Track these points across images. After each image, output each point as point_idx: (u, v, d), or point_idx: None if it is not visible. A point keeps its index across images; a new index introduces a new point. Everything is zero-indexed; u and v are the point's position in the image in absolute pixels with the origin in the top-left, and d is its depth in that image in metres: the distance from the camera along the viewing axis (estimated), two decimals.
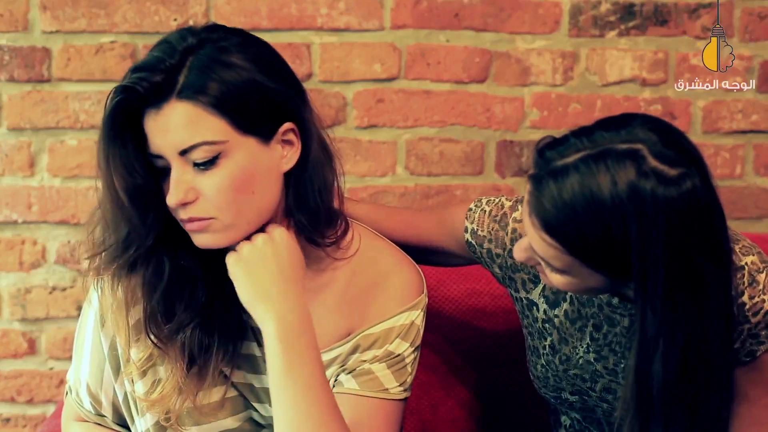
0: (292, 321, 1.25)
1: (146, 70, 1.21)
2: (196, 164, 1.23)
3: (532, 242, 1.23)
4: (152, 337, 1.31)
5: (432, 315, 1.48)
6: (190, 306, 1.30)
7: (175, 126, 1.21)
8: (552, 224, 1.18)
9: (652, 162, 1.14)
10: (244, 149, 1.24)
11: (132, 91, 1.20)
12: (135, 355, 1.34)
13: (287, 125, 1.27)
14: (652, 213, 1.13)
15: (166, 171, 1.25)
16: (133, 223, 1.25)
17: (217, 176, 1.23)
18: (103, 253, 1.29)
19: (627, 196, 1.14)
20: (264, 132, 1.25)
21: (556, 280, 1.25)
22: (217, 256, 1.30)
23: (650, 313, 1.18)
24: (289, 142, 1.28)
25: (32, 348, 2.19)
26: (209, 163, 1.23)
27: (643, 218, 1.14)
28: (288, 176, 1.29)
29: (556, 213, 1.17)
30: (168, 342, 1.31)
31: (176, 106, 1.20)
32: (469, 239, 1.48)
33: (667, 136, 1.18)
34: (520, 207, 1.45)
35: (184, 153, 1.22)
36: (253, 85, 1.23)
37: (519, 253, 1.28)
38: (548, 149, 1.20)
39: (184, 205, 1.24)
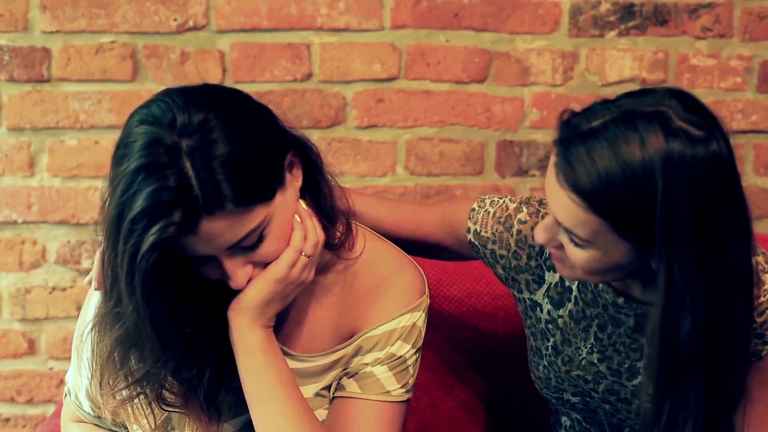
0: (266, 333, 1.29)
1: (161, 209, 1.12)
2: (245, 247, 1.21)
3: (558, 211, 1.23)
4: (169, 409, 1.30)
5: (432, 315, 1.48)
6: (198, 362, 1.28)
7: (216, 235, 1.17)
8: (581, 184, 1.19)
9: (678, 122, 1.17)
10: (276, 209, 1.22)
11: (165, 242, 1.14)
12: (148, 425, 1.32)
13: (288, 157, 1.25)
14: (679, 170, 1.16)
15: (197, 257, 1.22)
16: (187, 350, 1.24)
17: (267, 245, 1.23)
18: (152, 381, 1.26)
19: (656, 154, 1.16)
20: (279, 182, 1.23)
21: (578, 256, 1.25)
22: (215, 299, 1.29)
23: (677, 270, 1.19)
24: (292, 164, 1.26)
25: (32, 348, 2.19)
26: (258, 240, 1.22)
27: (669, 175, 1.16)
28: (301, 189, 1.29)
29: (586, 172, 1.18)
30: (186, 404, 1.29)
31: (210, 222, 1.15)
32: (472, 240, 1.48)
33: (690, 103, 1.21)
34: (524, 208, 1.45)
35: (231, 246, 1.20)
36: (251, 153, 1.18)
37: (541, 233, 1.29)
38: (573, 117, 1.23)
39: None
